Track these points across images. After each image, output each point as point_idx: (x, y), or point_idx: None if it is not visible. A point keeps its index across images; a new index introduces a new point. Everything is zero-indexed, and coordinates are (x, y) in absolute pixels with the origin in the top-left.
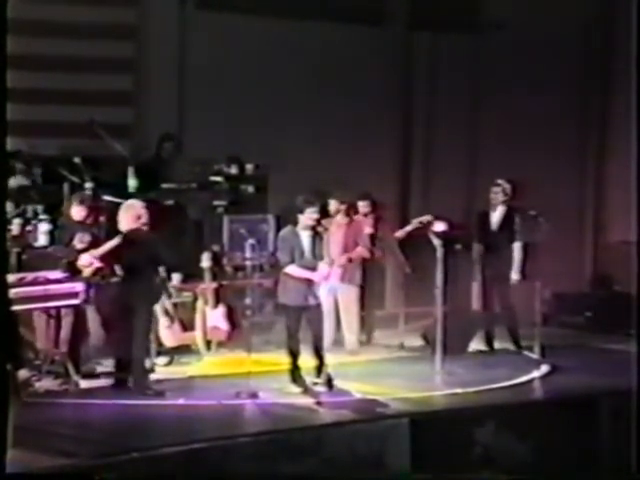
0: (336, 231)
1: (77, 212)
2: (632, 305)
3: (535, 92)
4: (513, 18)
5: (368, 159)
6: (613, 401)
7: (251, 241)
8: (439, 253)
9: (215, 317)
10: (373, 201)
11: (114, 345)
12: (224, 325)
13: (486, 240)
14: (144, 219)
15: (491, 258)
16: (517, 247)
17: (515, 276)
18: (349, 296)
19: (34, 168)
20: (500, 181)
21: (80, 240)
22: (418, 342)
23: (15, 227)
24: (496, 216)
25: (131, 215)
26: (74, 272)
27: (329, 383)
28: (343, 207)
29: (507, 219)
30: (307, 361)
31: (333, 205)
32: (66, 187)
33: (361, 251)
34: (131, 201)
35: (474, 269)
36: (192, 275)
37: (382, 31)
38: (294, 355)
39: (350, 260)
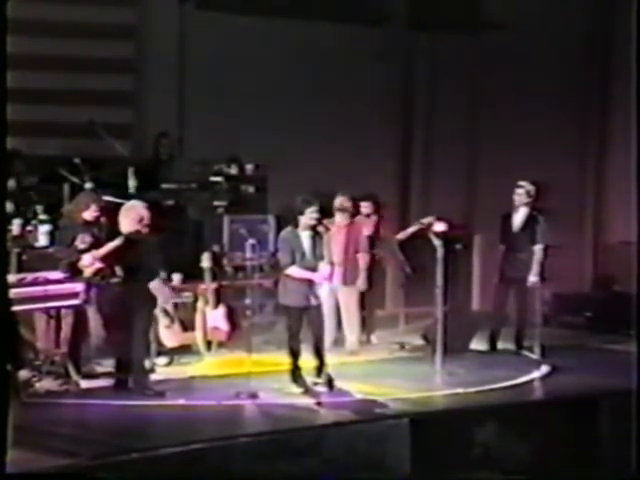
0: (337, 233)
1: (90, 213)
2: (632, 305)
3: (535, 92)
4: (513, 18)
5: (368, 159)
6: (613, 401)
7: (251, 241)
8: (439, 253)
9: (215, 317)
10: (377, 202)
11: (114, 345)
12: (224, 325)
13: (507, 242)
14: (146, 221)
15: (511, 259)
16: (538, 249)
17: (533, 278)
18: (350, 296)
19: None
20: (523, 183)
21: (82, 241)
22: (418, 342)
23: (15, 227)
24: (518, 218)
25: (133, 217)
26: (75, 272)
27: (329, 383)
28: (349, 204)
29: (529, 221)
30: (308, 361)
31: (340, 201)
32: (66, 187)
33: (362, 257)
34: (132, 202)
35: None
36: (192, 275)
37: (382, 31)
38: (295, 355)
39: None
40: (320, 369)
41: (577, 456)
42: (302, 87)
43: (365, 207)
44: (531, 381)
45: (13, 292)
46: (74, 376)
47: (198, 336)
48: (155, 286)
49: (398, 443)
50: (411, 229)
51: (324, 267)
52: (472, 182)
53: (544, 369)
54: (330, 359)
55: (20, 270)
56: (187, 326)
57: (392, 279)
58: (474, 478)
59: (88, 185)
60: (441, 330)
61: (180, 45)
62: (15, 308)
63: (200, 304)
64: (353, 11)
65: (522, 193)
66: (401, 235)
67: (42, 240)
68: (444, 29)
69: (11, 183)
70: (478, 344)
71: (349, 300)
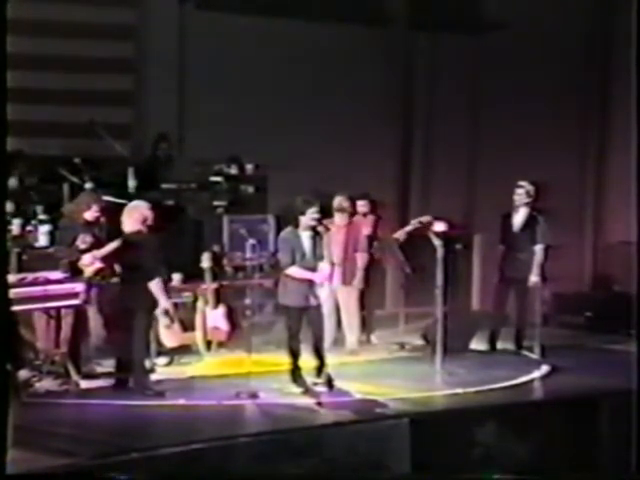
0: (336, 232)
1: (91, 213)
2: (632, 305)
3: (535, 92)
4: (513, 18)
5: (368, 159)
6: (613, 401)
7: (251, 241)
8: (439, 253)
9: (215, 317)
10: (372, 201)
11: (114, 345)
12: (224, 325)
13: (508, 242)
14: (150, 221)
15: (511, 260)
16: (539, 249)
17: (534, 278)
18: (349, 296)
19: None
20: (523, 183)
21: (82, 240)
22: (418, 342)
23: (15, 227)
24: (518, 218)
25: (136, 218)
26: (75, 272)
27: (329, 383)
28: (348, 204)
29: (529, 221)
30: (308, 361)
31: (339, 201)
32: (66, 187)
33: (361, 257)
34: (136, 202)
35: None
36: (192, 275)
37: (382, 31)
38: (295, 355)
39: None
40: (320, 369)
41: (577, 456)
42: (302, 87)
43: (361, 206)
44: (531, 381)
45: (13, 292)
46: (74, 376)
47: (198, 336)
48: (154, 288)
49: (398, 443)
50: (408, 227)
51: (324, 267)
52: (472, 182)
53: (544, 369)
54: (330, 359)
55: (20, 270)
56: (187, 326)
57: (392, 279)
58: (474, 478)
59: (88, 185)
60: (441, 330)
61: (180, 45)
62: (15, 308)
63: (200, 304)
64: (353, 11)
65: (522, 193)
66: (398, 234)
67: (42, 240)
68: (444, 29)
69: (13, 183)
70: (478, 344)
71: (349, 300)
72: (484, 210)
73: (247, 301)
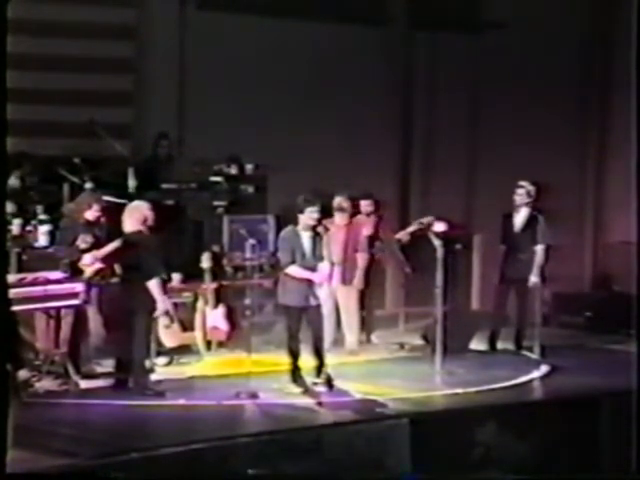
0: (336, 232)
1: (92, 213)
2: (632, 305)
3: (535, 92)
4: (513, 18)
5: (368, 159)
6: (613, 401)
7: (251, 241)
8: (439, 253)
9: (215, 317)
10: (376, 200)
11: (114, 345)
12: (224, 325)
13: (508, 242)
14: (150, 222)
15: (512, 260)
16: (540, 250)
17: (534, 279)
18: (349, 296)
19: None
20: (524, 183)
21: (83, 240)
22: (418, 342)
23: (15, 227)
24: (519, 218)
25: (137, 218)
26: (75, 272)
27: (329, 383)
28: (348, 204)
29: (530, 221)
30: (307, 361)
31: (339, 201)
32: (66, 187)
33: (361, 257)
34: (137, 203)
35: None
36: (192, 275)
37: (382, 31)
38: (294, 355)
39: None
40: (320, 369)
41: (577, 456)
42: (302, 87)
43: (366, 205)
44: (531, 381)
45: (13, 292)
46: (74, 376)
47: (198, 336)
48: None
49: (398, 443)
50: (410, 228)
51: (324, 267)
52: (472, 182)
53: (544, 369)
54: (330, 359)
55: (20, 270)
56: (187, 326)
57: (392, 279)
58: (474, 478)
59: (88, 185)
60: (441, 330)
61: (180, 45)
62: (15, 308)
63: (200, 304)
64: (353, 11)
65: (523, 193)
66: (401, 234)
67: (42, 240)
68: (444, 29)
69: (15, 183)
70: (478, 344)
71: (348, 300)
72: (484, 210)
73: (247, 301)
